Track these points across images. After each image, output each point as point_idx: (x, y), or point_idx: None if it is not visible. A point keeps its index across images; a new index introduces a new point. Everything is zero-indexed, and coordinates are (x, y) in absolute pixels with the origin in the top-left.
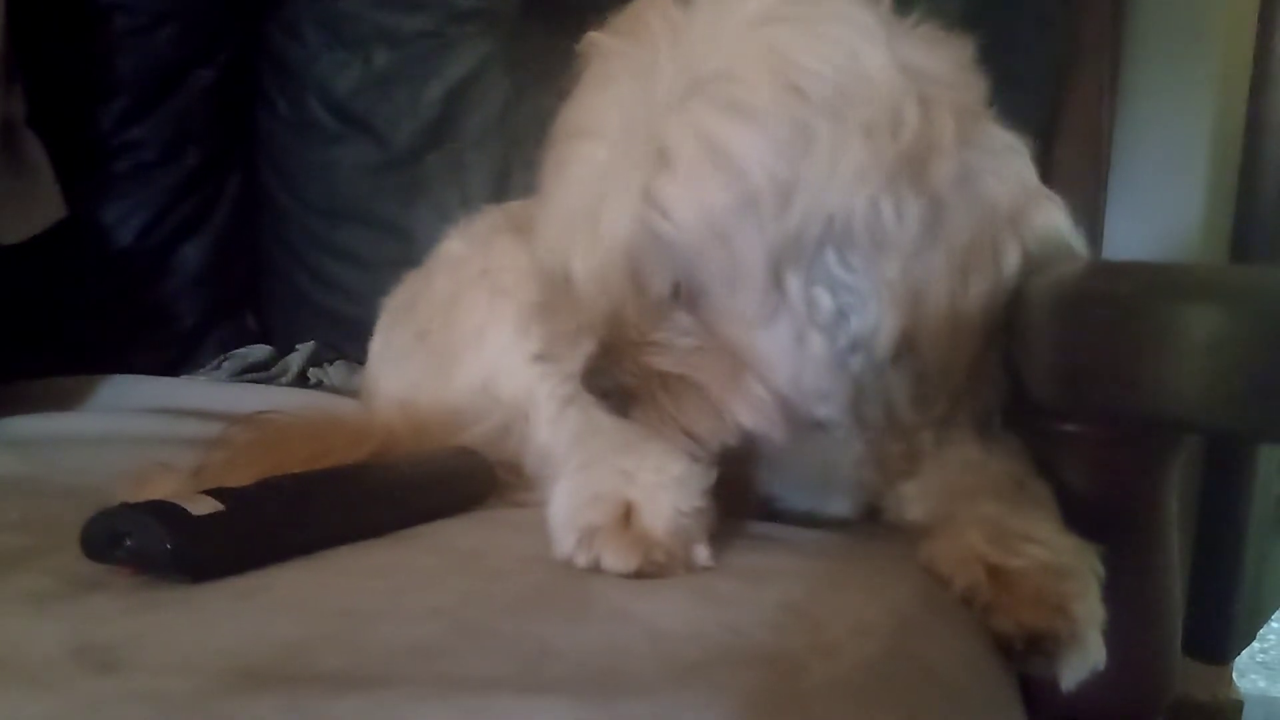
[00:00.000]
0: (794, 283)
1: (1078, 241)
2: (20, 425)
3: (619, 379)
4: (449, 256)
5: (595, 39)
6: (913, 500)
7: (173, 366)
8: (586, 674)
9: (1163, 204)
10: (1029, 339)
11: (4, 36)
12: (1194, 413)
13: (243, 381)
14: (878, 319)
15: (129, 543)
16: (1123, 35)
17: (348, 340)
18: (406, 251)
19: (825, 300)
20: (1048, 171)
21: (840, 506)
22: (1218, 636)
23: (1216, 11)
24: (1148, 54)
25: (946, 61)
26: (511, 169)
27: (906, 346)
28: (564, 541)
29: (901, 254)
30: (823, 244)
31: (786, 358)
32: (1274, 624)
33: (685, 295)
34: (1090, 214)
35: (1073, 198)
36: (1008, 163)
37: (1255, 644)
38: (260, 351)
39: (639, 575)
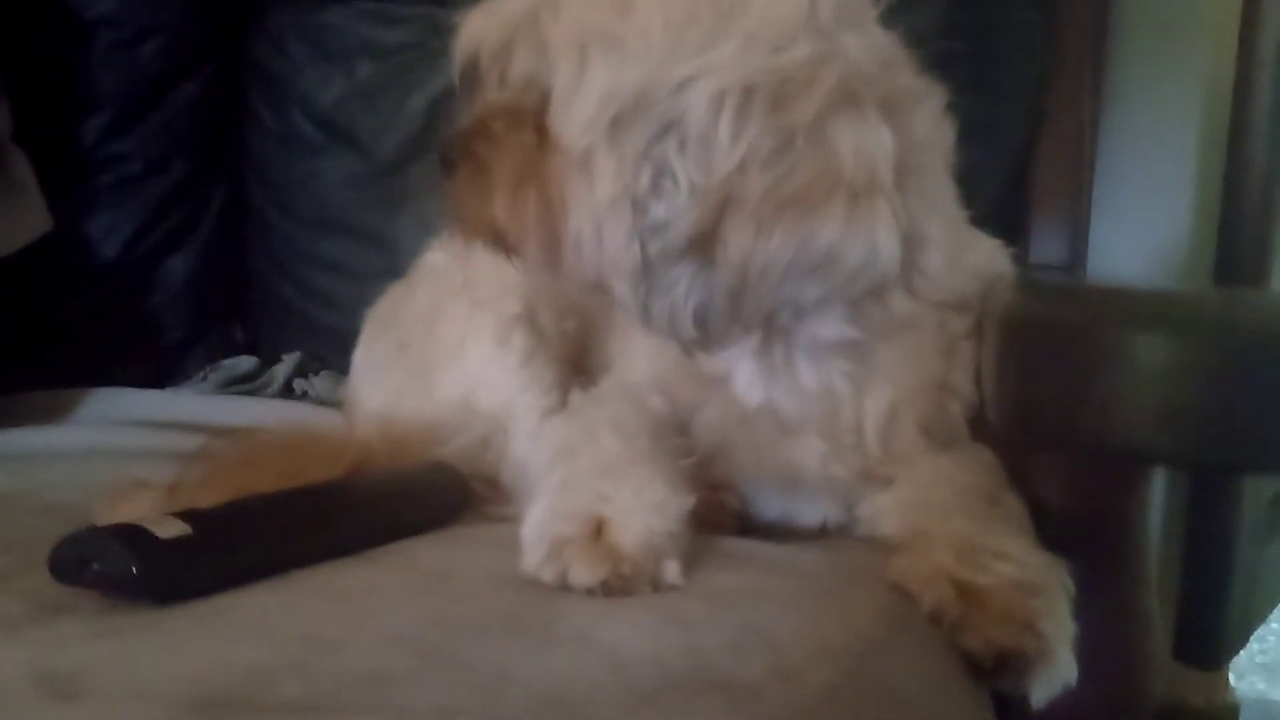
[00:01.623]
0: (629, 145)
1: (890, 246)
2: (4, 439)
3: (448, 147)
4: (431, 268)
5: None
6: (885, 515)
7: (159, 378)
8: (543, 702)
9: (1149, 212)
10: (984, 361)
11: None
12: (1145, 441)
13: (229, 393)
14: (681, 212)
15: (96, 566)
16: (1105, 44)
17: (333, 351)
18: (391, 262)
19: (647, 176)
20: (1030, 181)
21: (812, 513)
22: (1211, 641)
23: (1200, 18)
24: (1131, 62)
25: (878, 58)
26: None
27: (700, 254)
28: (533, 554)
29: (726, 163)
30: (667, 127)
31: (589, 210)
32: (1274, 625)
33: (535, 99)
34: (1074, 224)
35: (1056, 208)
36: (869, 150)
37: (1254, 645)
38: (246, 363)
39: (605, 589)
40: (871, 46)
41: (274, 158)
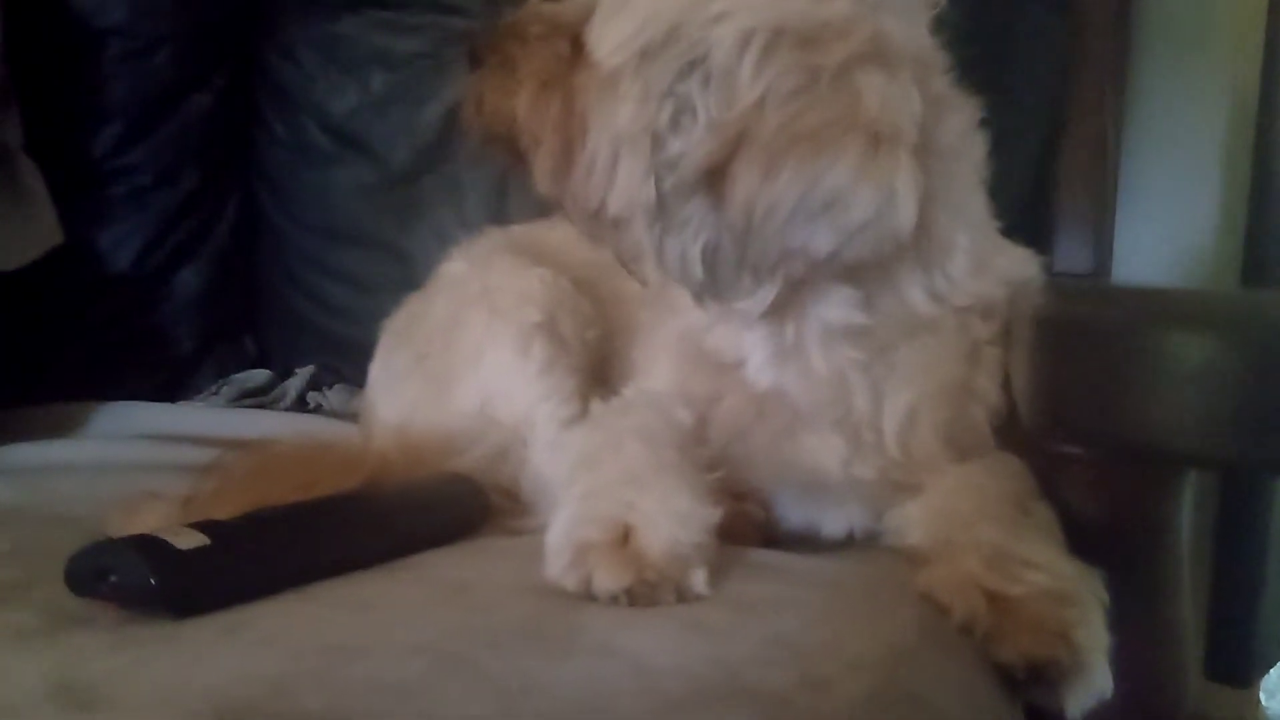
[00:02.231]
0: (655, 78)
1: (909, 203)
2: (16, 453)
3: (480, 42)
4: (449, 277)
5: None
6: (913, 524)
7: (171, 391)
8: (567, 711)
9: (1174, 217)
10: (1018, 362)
11: (0, 62)
12: (1185, 442)
13: (241, 407)
14: (696, 144)
15: (113, 578)
16: (1127, 49)
17: (346, 363)
18: (404, 273)
19: (668, 112)
20: (1053, 188)
21: (837, 522)
22: (1240, 659)
23: (1223, 23)
24: (1153, 67)
25: (917, 53)
26: (508, 190)
27: (711, 191)
28: (557, 561)
29: (745, 98)
30: (693, 63)
31: (609, 133)
32: None
33: (577, 11)
34: (1099, 230)
35: (1081, 214)
36: (895, 103)
37: None
38: (259, 376)
39: (630, 596)
40: (914, 40)
41: (286, 168)
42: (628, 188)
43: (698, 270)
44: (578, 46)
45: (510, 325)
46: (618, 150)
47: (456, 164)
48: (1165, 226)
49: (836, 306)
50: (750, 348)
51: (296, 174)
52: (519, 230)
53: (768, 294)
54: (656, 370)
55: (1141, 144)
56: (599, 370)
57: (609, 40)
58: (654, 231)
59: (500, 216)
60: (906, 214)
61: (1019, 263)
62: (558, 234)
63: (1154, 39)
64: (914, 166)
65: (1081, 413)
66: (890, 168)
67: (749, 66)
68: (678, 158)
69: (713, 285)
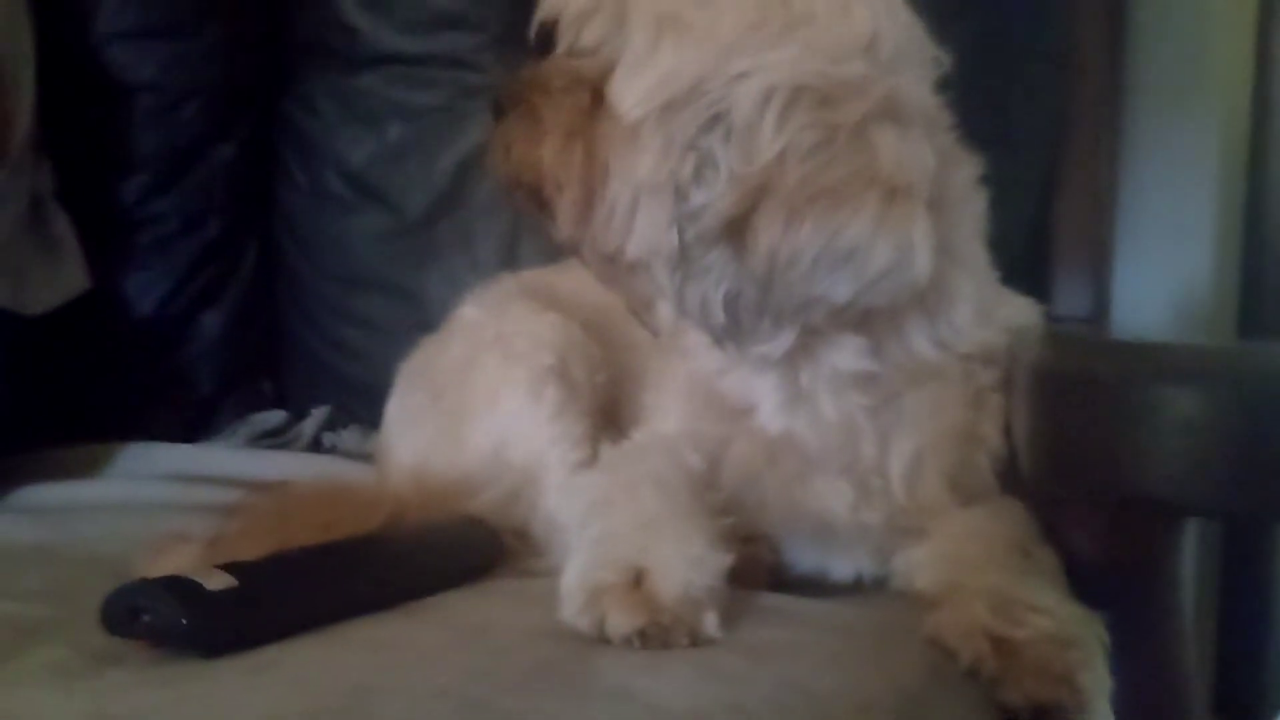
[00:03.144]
0: (677, 132)
1: (925, 253)
2: (41, 493)
3: (503, 92)
4: (464, 322)
5: None
6: (919, 569)
7: (190, 432)
8: None
9: (1172, 263)
10: (1018, 410)
11: (34, 114)
12: (1178, 491)
13: (258, 447)
14: (718, 197)
15: (146, 618)
16: (1121, 98)
17: (361, 404)
18: (418, 317)
19: (691, 165)
20: (1052, 235)
21: (846, 567)
22: (1250, 697)
23: (1214, 70)
24: (1147, 114)
25: (928, 102)
26: (520, 236)
27: (733, 241)
28: (571, 603)
29: (766, 152)
30: (715, 118)
31: (630, 181)
32: None
33: (599, 65)
34: (1097, 276)
35: (1079, 260)
36: (909, 159)
37: None
38: (275, 417)
39: (643, 639)
40: (922, 98)
41: (306, 216)
42: (648, 234)
43: (719, 315)
44: (599, 99)
45: (523, 369)
46: (638, 198)
47: (470, 212)
48: (1162, 272)
49: (847, 354)
50: (761, 393)
51: (316, 221)
52: (530, 276)
53: (787, 339)
54: (667, 414)
55: (1137, 192)
56: (608, 414)
57: (631, 94)
58: (675, 277)
59: (511, 262)
60: (923, 264)
61: (1020, 311)
62: (569, 279)
63: (1147, 90)
64: (928, 219)
65: (1078, 462)
66: (906, 220)
67: (770, 123)
68: (700, 209)
69: (734, 330)
